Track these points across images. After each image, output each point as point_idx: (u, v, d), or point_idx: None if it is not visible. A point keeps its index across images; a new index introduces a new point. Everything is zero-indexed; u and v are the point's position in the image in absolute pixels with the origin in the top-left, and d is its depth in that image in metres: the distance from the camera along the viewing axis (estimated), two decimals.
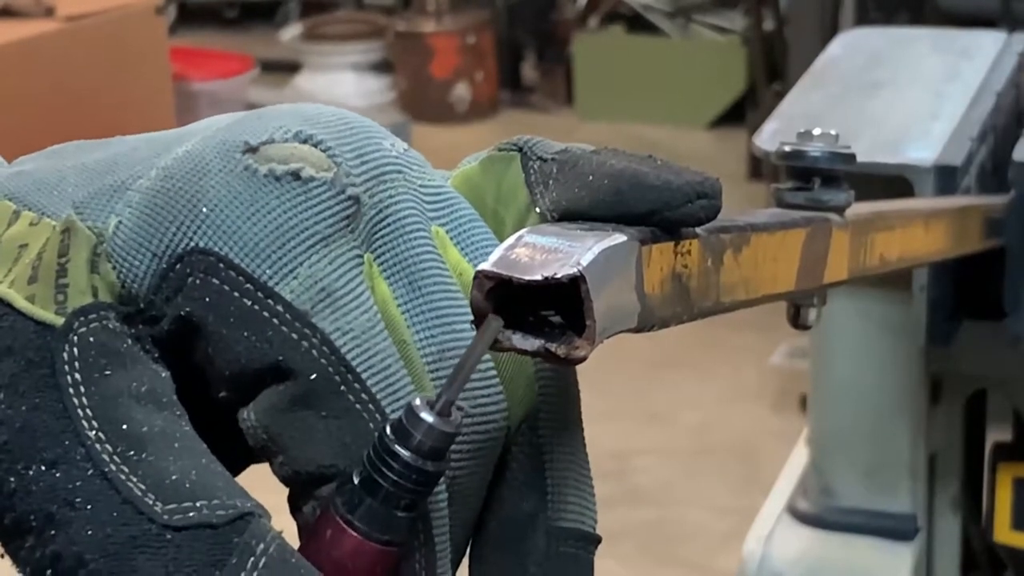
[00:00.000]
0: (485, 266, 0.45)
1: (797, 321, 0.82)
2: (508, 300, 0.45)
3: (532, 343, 0.46)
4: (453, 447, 0.46)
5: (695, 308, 0.52)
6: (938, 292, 1.46)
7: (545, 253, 0.45)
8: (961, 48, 1.74)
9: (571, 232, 0.46)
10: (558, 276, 0.44)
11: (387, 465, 0.45)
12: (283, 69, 5.98)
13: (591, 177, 0.50)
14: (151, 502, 0.44)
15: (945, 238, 1.10)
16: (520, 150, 0.52)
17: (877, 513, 1.62)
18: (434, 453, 0.45)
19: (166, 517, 0.43)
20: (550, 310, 0.46)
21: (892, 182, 1.41)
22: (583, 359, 0.45)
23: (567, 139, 0.52)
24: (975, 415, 1.66)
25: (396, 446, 0.45)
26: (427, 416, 0.45)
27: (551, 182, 0.51)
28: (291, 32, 6.31)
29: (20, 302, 0.46)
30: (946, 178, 1.41)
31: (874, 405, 1.61)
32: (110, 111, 3.65)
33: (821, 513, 1.64)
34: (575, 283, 0.44)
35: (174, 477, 0.44)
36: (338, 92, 5.76)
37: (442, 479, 0.47)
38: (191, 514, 0.44)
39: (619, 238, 0.46)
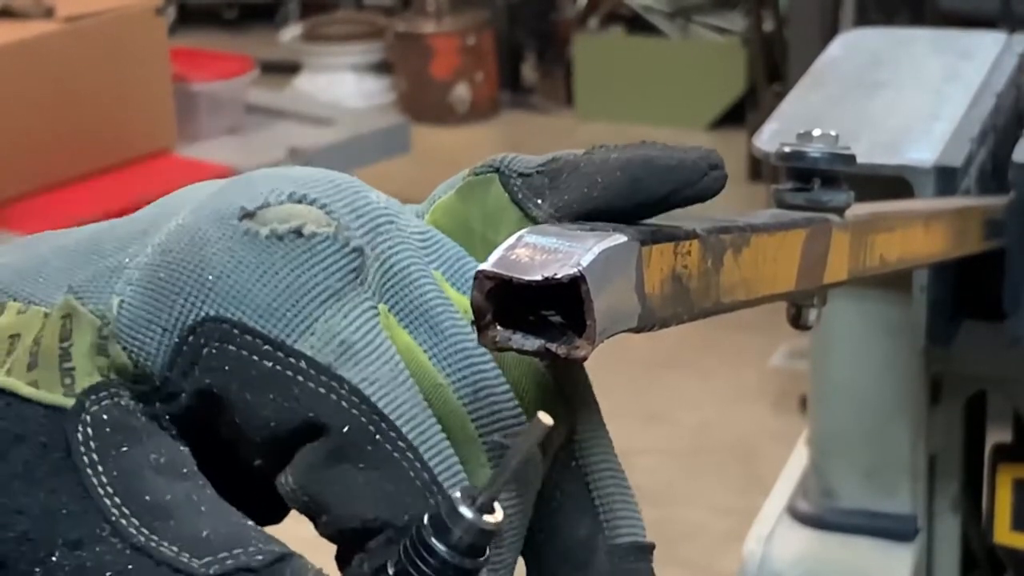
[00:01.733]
0: (485, 266, 0.45)
1: (797, 322, 0.82)
2: (508, 300, 0.45)
3: (532, 343, 0.45)
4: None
5: (695, 308, 0.52)
6: (938, 293, 1.46)
7: (545, 253, 0.45)
8: (961, 49, 1.74)
9: (571, 232, 0.46)
10: (558, 276, 0.44)
11: (423, 560, 0.43)
12: (283, 70, 5.99)
13: (599, 176, 0.49)
14: (187, 560, 0.43)
15: (945, 239, 1.10)
16: (497, 170, 0.52)
17: (877, 514, 1.62)
18: (473, 551, 0.43)
19: (203, 569, 0.42)
20: (550, 310, 0.46)
21: (892, 183, 1.40)
22: (583, 359, 0.45)
23: (567, 139, 0.53)
24: (975, 415, 1.66)
25: (433, 540, 0.43)
26: (467, 512, 0.43)
27: (548, 192, 0.50)
28: (291, 33, 6.31)
29: (24, 389, 0.45)
30: (946, 179, 1.41)
31: (874, 406, 1.61)
32: (110, 111, 3.64)
33: (821, 514, 1.64)
34: (575, 283, 0.44)
35: (205, 534, 0.43)
36: (338, 93, 5.76)
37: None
38: (229, 562, 0.43)
39: (619, 238, 0.46)
